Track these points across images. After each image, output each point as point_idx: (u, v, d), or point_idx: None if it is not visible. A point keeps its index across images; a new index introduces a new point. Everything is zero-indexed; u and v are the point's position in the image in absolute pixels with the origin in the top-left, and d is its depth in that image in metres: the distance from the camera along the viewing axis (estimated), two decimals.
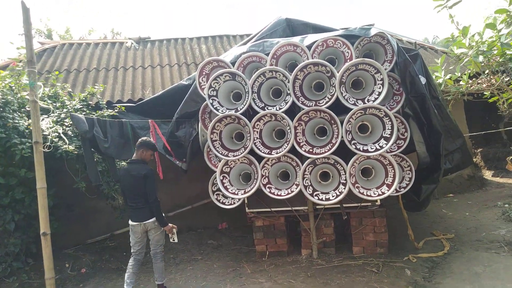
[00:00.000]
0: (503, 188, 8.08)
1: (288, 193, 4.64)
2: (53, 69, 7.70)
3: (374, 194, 4.41)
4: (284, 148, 4.51)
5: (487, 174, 9.53)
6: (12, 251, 5.42)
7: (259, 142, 4.66)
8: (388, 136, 4.32)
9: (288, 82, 4.54)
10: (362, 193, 4.40)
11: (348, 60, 4.61)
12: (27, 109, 5.56)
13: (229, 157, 4.71)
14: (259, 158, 4.76)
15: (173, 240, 4.49)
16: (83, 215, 6.73)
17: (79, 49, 8.94)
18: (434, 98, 4.87)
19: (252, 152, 4.74)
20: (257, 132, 4.65)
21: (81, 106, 6.06)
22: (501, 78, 6.22)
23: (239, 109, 4.71)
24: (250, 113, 5.00)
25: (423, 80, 4.67)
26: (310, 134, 4.64)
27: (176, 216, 6.83)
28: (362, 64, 4.31)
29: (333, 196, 4.50)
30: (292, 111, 4.77)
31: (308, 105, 4.49)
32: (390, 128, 4.33)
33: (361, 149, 4.35)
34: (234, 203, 5.12)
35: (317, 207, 5.08)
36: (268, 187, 4.71)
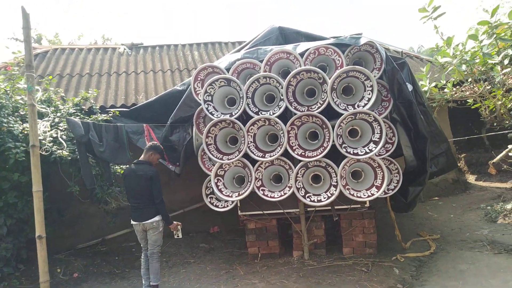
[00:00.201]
0: (485, 192, 8.38)
1: (281, 195, 4.78)
2: (46, 74, 7.71)
3: (364, 195, 4.58)
4: (278, 152, 4.66)
5: (471, 178, 9.83)
6: (3, 256, 5.39)
7: (253, 145, 4.79)
8: (377, 140, 4.51)
9: (282, 88, 4.70)
10: (353, 195, 4.57)
11: (339, 68, 4.80)
12: (21, 113, 5.59)
13: (223, 160, 4.83)
14: (253, 162, 4.90)
15: (178, 236, 4.72)
16: (74, 220, 6.73)
17: (72, 54, 8.97)
18: (420, 104, 5.08)
19: (246, 155, 4.87)
20: (251, 136, 4.79)
21: (75, 111, 6.10)
22: (483, 86, 6.50)
23: (233, 114, 4.85)
24: (243, 117, 5.13)
25: (410, 87, 4.88)
26: (303, 138, 4.80)
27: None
28: (352, 71, 4.50)
29: (324, 198, 4.65)
30: (284, 116, 4.92)
31: (301, 110, 4.66)
32: (379, 132, 4.51)
33: (352, 152, 4.52)
34: (227, 206, 5.22)
35: (308, 209, 5.22)
36: (262, 190, 4.84)
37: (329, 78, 4.60)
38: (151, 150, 4.64)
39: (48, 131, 4.93)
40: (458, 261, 4.74)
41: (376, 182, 4.62)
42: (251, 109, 4.84)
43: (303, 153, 4.64)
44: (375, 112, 4.68)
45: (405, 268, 4.71)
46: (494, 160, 6.96)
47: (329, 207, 5.05)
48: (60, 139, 4.99)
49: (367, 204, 5.07)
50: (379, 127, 4.51)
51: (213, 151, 4.88)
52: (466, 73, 6.41)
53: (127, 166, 6.18)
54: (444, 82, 6.98)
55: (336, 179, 4.61)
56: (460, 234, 5.80)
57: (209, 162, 5.43)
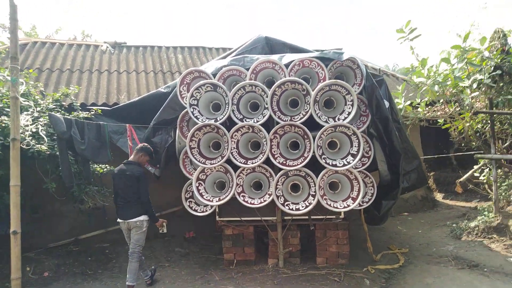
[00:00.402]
0: (452, 210, 8.79)
1: (261, 202, 4.87)
2: (24, 67, 7.54)
3: (341, 206, 4.75)
4: (260, 159, 4.76)
5: (438, 196, 10.28)
6: None
7: (236, 152, 4.88)
8: (355, 153, 4.70)
9: (267, 97, 4.83)
10: (330, 205, 4.72)
11: (322, 81, 4.98)
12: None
13: (206, 164, 4.89)
14: (234, 168, 4.98)
15: (163, 231, 4.98)
16: (47, 218, 6.57)
17: (52, 49, 8.81)
18: (395, 121, 5.32)
19: (228, 161, 4.95)
20: (234, 142, 4.88)
21: (54, 106, 6.01)
22: (454, 107, 6.87)
23: (218, 119, 4.93)
24: (227, 124, 5.22)
25: (386, 104, 5.12)
26: (284, 147, 4.93)
27: None
28: (335, 85, 4.69)
29: (302, 207, 4.78)
30: (267, 124, 5.04)
31: (284, 119, 4.80)
32: (357, 145, 4.71)
33: (330, 163, 4.69)
34: (206, 210, 5.27)
35: (285, 218, 5.33)
36: (242, 196, 4.92)
37: (312, 90, 4.77)
38: (142, 152, 4.79)
39: (30, 125, 4.84)
40: (425, 274, 4.96)
41: (352, 194, 4.80)
42: (236, 115, 4.94)
43: (284, 162, 4.77)
44: (354, 126, 4.88)
45: (375, 280, 4.88)
46: (461, 180, 7.34)
47: (306, 216, 5.18)
48: (40, 133, 4.91)
49: (342, 215, 5.24)
50: (357, 140, 4.70)
51: (196, 155, 4.94)
52: (438, 94, 6.76)
53: (107, 166, 6.16)
54: (419, 101, 7.33)
55: (315, 189, 4.76)
56: (427, 249, 6.06)
57: (190, 166, 5.47)
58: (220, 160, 4.85)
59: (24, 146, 4.37)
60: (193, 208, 5.38)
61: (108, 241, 6.87)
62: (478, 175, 7.35)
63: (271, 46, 5.97)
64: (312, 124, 4.83)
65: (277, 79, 5.13)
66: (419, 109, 7.31)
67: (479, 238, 6.18)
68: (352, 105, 4.73)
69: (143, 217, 4.62)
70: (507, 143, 7.27)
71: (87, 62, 8.50)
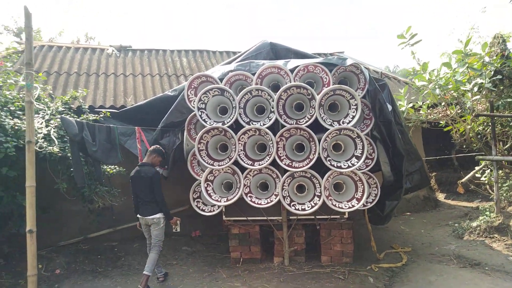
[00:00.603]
0: (454, 209, 8.92)
1: (268, 202, 5.01)
2: (33, 70, 7.67)
3: (345, 206, 4.89)
4: (266, 161, 4.91)
5: (440, 196, 10.40)
6: None
7: (243, 154, 5.03)
8: (359, 155, 4.83)
9: (272, 101, 4.97)
10: (335, 205, 4.86)
11: (326, 85, 5.12)
12: (10, 108, 5.61)
13: (214, 166, 5.03)
14: (242, 169, 5.12)
15: (176, 230, 5.18)
16: (57, 217, 6.70)
17: (59, 52, 8.97)
18: (398, 124, 5.45)
19: (235, 162, 5.09)
20: (241, 144, 5.02)
21: (64, 109, 6.16)
22: (455, 110, 7.01)
23: (226, 122, 5.07)
24: (233, 126, 5.36)
25: (389, 107, 5.26)
26: (290, 149, 5.07)
27: None
28: (339, 90, 4.83)
29: (308, 207, 4.92)
30: (272, 127, 5.19)
31: (290, 123, 4.94)
32: (361, 148, 4.84)
33: (335, 165, 4.83)
34: (213, 210, 5.41)
35: (291, 217, 5.47)
36: (249, 196, 5.06)
37: (317, 94, 4.91)
38: (155, 153, 5.09)
39: (44, 128, 4.99)
40: (428, 273, 5.08)
41: (356, 195, 4.94)
42: (243, 119, 5.08)
43: (290, 164, 4.91)
44: (358, 129, 5.01)
45: (379, 278, 5.01)
46: (463, 180, 7.47)
47: (311, 216, 5.32)
48: (52, 136, 5.06)
49: (346, 215, 5.36)
50: (361, 143, 4.83)
51: (204, 156, 5.08)
52: (440, 97, 6.91)
53: (116, 167, 6.31)
54: (421, 103, 7.47)
55: (320, 189, 4.90)
56: (429, 248, 6.19)
57: (198, 167, 5.61)
58: (228, 162, 5.00)
59: (37, 149, 4.51)
60: (200, 208, 5.52)
61: (116, 240, 7.02)
62: (479, 176, 7.48)
63: (275, 51, 6.12)
64: (316, 127, 4.97)
65: (282, 83, 5.27)
66: (421, 112, 7.44)
67: (481, 238, 6.30)
68: (356, 109, 4.86)
69: (160, 215, 4.93)
70: (508, 145, 7.40)
71: (93, 65, 8.65)
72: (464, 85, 6.56)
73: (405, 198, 8.46)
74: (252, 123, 5.07)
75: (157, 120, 5.85)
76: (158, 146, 5.23)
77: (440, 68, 6.88)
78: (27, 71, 4.34)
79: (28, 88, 4.29)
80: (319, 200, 4.90)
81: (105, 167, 6.03)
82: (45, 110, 5.37)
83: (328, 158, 4.87)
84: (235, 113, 5.02)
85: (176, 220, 5.14)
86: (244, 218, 5.51)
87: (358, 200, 4.90)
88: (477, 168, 7.52)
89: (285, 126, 4.96)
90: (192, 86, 5.48)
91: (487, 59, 6.44)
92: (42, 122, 5.10)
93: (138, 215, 5.04)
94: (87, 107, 6.66)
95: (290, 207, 4.95)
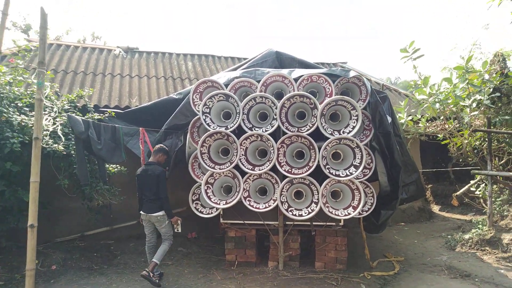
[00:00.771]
0: (447, 222, 9.04)
1: (266, 207, 5.13)
2: (45, 69, 7.80)
3: (342, 214, 5.00)
4: (267, 166, 5.03)
5: (435, 208, 10.53)
6: None
7: (244, 158, 5.15)
8: (358, 164, 4.96)
9: (276, 108, 5.10)
10: (331, 212, 4.98)
11: (329, 95, 5.26)
12: (18, 104, 5.72)
13: (215, 169, 5.15)
14: (241, 173, 5.24)
15: (177, 230, 5.27)
16: (55, 214, 6.78)
17: (67, 51, 9.10)
18: (397, 136, 5.59)
19: (236, 167, 5.20)
20: (243, 149, 5.15)
21: (69, 107, 6.27)
22: (453, 124, 7.15)
23: (229, 127, 5.19)
24: (235, 132, 5.48)
25: (389, 119, 5.40)
26: (290, 156, 5.19)
27: None
28: (341, 101, 4.97)
29: (305, 213, 5.04)
30: (273, 134, 5.31)
31: (291, 130, 5.07)
32: (359, 158, 4.97)
33: (334, 173, 4.95)
34: (212, 213, 5.52)
35: (287, 223, 5.58)
36: (248, 200, 5.18)
37: (320, 104, 5.04)
38: (160, 152, 5.30)
39: (52, 125, 5.11)
40: (419, 282, 5.19)
41: (353, 203, 5.06)
42: (246, 124, 5.21)
43: (289, 170, 5.03)
44: (358, 139, 5.14)
45: (371, 285, 5.10)
46: (457, 193, 7.60)
47: (307, 222, 5.43)
48: (58, 133, 5.17)
49: (342, 223, 5.48)
50: (360, 153, 4.96)
51: (206, 160, 5.20)
52: (439, 111, 7.05)
53: (118, 166, 6.42)
54: (419, 116, 7.62)
55: (318, 196, 5.01)
56: (422, 258, 6.31)
57: (199, 169, 5.72)
58: (229, 166, 5.12)
59: (43, 145, 4.62)
60: (199, 210, 5.62)
61: (112, 239, 7.11)
62: (474, 189, 7.61)
63: (281, 60, 6.26)
64: (317, 135, 5.09)
65: (285, 91, 5.40)
66: (420, 125, 7.59)
67: (473, 250, 6.42)
68: (357, 119, 5.00)
69: (163, 212, 5.11)
70: (503, 161, 7.54)
71: (100, 65, 8.78)
72: (463, 101, 6.71)
73: (400, 208, 8.59)
74: (254, 129, 5.20)
75: (160, 122, 5.96)
76: (161, 145, 5.41)
77: (440, 83, 7.04)
78: (39, 70, 4.46)
79: (39, 86, 4.41)
80: (316, 207, 5.01)
81: (107, 166, 6.14)
82: (53, 107, 5.47)
83: (327, 166, 4.99)
84: (238, 118, 5.15)
85: (177, 220, 5.26)
86: (241, 222, 5.61)
87: (354, 208, 5.02)
88: (472, 182, 7.65)
89: (286, 133, 5.08)
90: (198, 91, 5.61)
91: (486, 76, 6.60)
92: (50, 119, 5.20)
93: (141, 212, 5.21)
94: (92, 106, 6.78)
95: (288, 212, 5.07)
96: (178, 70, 9.25)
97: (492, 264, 5.76)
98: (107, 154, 5.34)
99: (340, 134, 5.01)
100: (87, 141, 5.16)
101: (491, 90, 6.54)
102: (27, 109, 5.70)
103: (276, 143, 5.06)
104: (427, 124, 7.68)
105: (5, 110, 5.24)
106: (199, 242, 7.25)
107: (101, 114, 6.21)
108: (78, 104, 6.60)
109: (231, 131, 5.17)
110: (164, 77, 8.76)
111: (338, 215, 5.01)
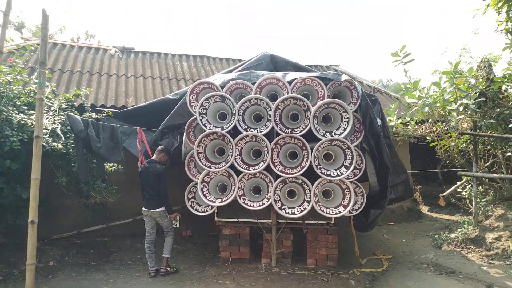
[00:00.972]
0: (435, 222, 9.31)
1: (260, 205, 5.31)
2: (46, 69, 7.87)
3: (333, 212, 5.20)
4: (261, 166, 5.21)
5: (424, 209, 10.81)
6: None
7: (239, 158, 5.32)
8: (348, 165, 5.16)
9: (270, 110, 5.28)
10: (323, 211, 5.17)
11: (321, 98, 5.45)
12: (17, 103, 5.82)
13: (211, 168, 5.31)
14: (237, 172, 5.41)
15: (176, 225, 5.56)
16: (52, 211, 6.87)
17: (63, 50, 9.18)
18: (386, 138, 5.80)
19: (231, 166, 5.37)
20: (238, 149, 5.32)
21: (66, 106, 6.37)
22: (441, 127, 7.39)
23: (224, 128, 5.36)
24: (231, 132, 5.64)
25: (379, 121, 5.61)
26: (283, 156, 5.38)
27: (143, 220, 7.18)
28: (333, 104, 5.17)
29: (298, 211, 5.22)
30: (268, 135, 5.48)
31: (285, 131, 5.25)
32: (350, 158, 5.17)
33: (325, 173, 5.14)
34: (207, 211, 5.68)
35: (280, 221, 5.76)
36: (243, 198, 5.35)
37: (312, 106, 5.23)
38: (163, 152, 5.61)
39: (52, 124, 5.22)
40: (406, 278, 5.42)
41: (343, 202, 5.26)
42: (241, 125, 5.38)
43: (283, 170, 5.22)
44: (348, 141, 5.33)
45: (360, 281, 5.31)
46: (444, 194, 7.85)
47: (299, 221, 5.62)
48: (58, 132, 5.29)
49: (333, 221, 5.67)
50: (350, 154, 5.16)
51: (202, 159, 5.36)
52: (427, 114, 7.29)
53: (115, 164, 6.54)
54: (409, 119, 7.85)
55: (310, 195, 5.20)
56: (409, 256, 6.54)
57: (195, 169, 5.87)
58: (225, 165, 5.29)
59: (43, 143, 4.74)
60: (194, 208, 5.78)
61: (108, 236, 7.22)
62: (460, 190, 7.86)
63: (275, 63, 6.43)
64: (309, 137, 5.28)
65: (279, 94, 5.59)
66: (409, 127, 7.82)
67: (458, 248, 6.67)
68: (348, 122, 5.20)
69: (163, 208, 5.38)
70: (488, 163, 7.80)
71: (96, 65, 8.87)
72: (451, 104, 6.95)
73: (389, 208, 8.83)
74: (249, 130, 5.37)
75: (157, 121, 6.07)
76: (165, 146, 5.71)
77: (429, 87, 7.28)
78: (41, 70, 4.58)
79: (40, 85, 4.52)
80: (308, 205, 5.20)
81: (105, 164, 6.25)
82: (51, 106, 5.59)
83: (319, 166, 5.18)
84: (234, 119, 5.31)
85: (176, 216, 5.54)
86: (236, 220, 5.78)
87: (345, 207, 5.21)
88: (458, 183, 7.91)
89: (280, 134, 5.26)
90: (194, 92, 5.76)
91: (473, 81, 6.85)
92: (50, 118, 5.31)
93: (143, 208, 5.48)
94: (89, 105, 6.87)
95: (281, 210, 5.25)
96: (174, 70, 9.38)
97: (476, 262, 6.00)
98: (106, 152, 5.47)
99: (331, 135, 5.20)
100: (86, 139, 5.29)
101: (477, 94, 6.79)
102: (25, 107, 5.80)
103: (270, 143, 5.23)
104: (416, 126, 7.91)
105: (5, 109, 5.34)
106: (194, 240, 7.40)
107: (99, 114, 6.32)
108: (75, 103, 6.69)
109: (227, 132, 5.33)
110: (159, 77, 8.89)
111: (329, 214, 5.21)
